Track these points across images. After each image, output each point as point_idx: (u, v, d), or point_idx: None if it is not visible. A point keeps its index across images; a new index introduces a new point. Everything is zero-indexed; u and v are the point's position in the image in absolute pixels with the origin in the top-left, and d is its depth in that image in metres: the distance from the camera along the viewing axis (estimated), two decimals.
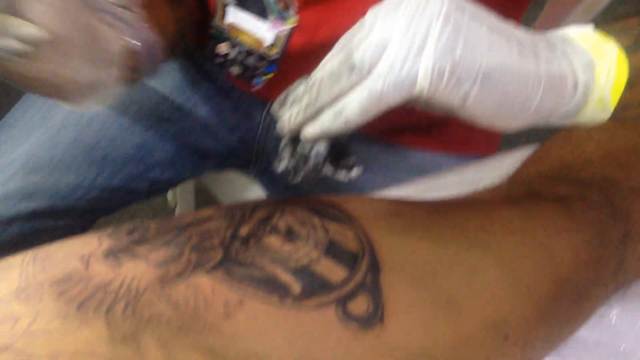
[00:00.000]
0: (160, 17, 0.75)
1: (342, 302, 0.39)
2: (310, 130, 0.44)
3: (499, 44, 0.42)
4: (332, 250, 0.41)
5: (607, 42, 0.46)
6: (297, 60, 0.79)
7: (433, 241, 0.45)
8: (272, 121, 0.88)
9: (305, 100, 0.44)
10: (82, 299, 0.36)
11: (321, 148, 0.44)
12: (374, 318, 0.39)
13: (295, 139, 0.45)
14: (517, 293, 0.47)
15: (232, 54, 0.83)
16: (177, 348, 0.35)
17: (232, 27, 0.81)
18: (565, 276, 0.50)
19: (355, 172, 0.43)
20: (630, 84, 0.46)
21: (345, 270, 0.40)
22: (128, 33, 0.55)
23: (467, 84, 0.41)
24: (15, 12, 0.46)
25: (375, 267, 0.41)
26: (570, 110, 0.45)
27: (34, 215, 0.87)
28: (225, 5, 0.80)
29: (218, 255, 0.39)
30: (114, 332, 0.35)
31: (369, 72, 0.41)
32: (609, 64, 0.45)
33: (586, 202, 0.54)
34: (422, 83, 0.40)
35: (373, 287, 0.40)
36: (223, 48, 0.84)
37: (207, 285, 0.38)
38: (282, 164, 0.45)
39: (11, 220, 0.86)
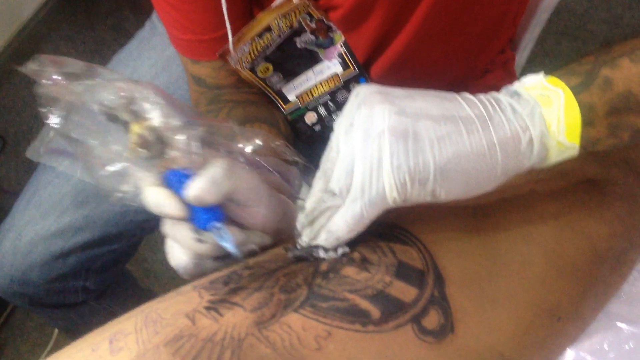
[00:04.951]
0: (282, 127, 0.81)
1: (417, 320, 0.44)
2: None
3: (446, 132, 0.44)
4: (402, 271, 0.46)
5: (555, 86, 0.47)
6: (377, 53, 0.80)
7: (484, 244, 0.50)
8: None
9: (306, 229, 0.49)
10: (194, 354, 0.41)
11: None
12: (446, 329, 0.45)
13: None
14: (564, 276, 0.52)
15: (322, 111, 0.84)
16: None
17: (301, 95, 0.82)
18: (603, 250, 0.55)
19: (340, 251, 0.49)
20: (589, 122, 0.47)
21: (415, 289, 0.45)
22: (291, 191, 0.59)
23: (429, 182, 0.44)
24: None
25: (440, 281, 0.46)
26: (536, 161, 0.47)
27: (89, 245, 0.92)
28: (278, 92, 0.82)
29: (304, 292, 0.44)
30: None
31: (347, 194, 0.46)
32: (558, 110, 0.46)
33: (612, 177, 0.59)
34: (391, 196, 0.45)
35: (441, 300, 0.45)
36: (311, 117, 0.85)
37: (297, 323, 0.43)
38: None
39: (69, 253, 0.92)
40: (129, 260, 1.09)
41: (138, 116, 0.49)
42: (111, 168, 0.50)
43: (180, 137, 0.49)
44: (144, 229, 0.97)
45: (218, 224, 0.50)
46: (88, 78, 0.49)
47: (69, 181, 0.91)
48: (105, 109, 0.49)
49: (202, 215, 0.49)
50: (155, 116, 0.49)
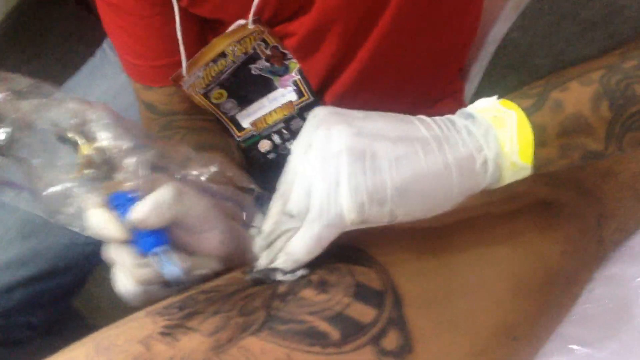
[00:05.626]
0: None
1: (376, 341, 0.43)
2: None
3: (404, 153, 0.45)
4: (360, 292, 0.46)
5: (508, 108, 0.48)
6: (331, 81, 0.80)
7: (442, 265, 0.50)
8: None
9: (264, 252, 0.49)
10: None
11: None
12: (405, 349, 0.44)
13: None
14: (519, 295, 0.53)
15: (277, 139, 0.83)
16: None
17: (255, 123, 0.82)
18: (555, 269, 0.56)
19: (298, 273, 0.48)
20: (542, 142, 0.47)
21: (374, 310, 0.45)
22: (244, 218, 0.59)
23: (387, 203, 0.45)
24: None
25: (398, 302, 0.46)
26: (490, 181, 0.48)
27: (35, 278, 0.89)
28: (232, 119, 0.81)
29: (261, 315, 0.44)
30: None
31: (305, 215, 0.45)
32: (511, 131, 0.47)
33: (562, 199, 0.60)
34: (349, 217, 0.45)
35: (400, 321, 0.45)
36: (265, 144, 0.84)
37: (256, 346, 0.42)
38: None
39: (13, 288, 0.88)
40: (76, 295, 1.05)
41: (88, 137, 0.48)
42: (55, 188, 0.48)
43: (129, 160, 0.48)
44: (92, 261, 0.94)
45: (161, 249, 0.48)
46: (37, 97, 0.48)
47: (15, 213, 0.88)
48: (54, 129, 0.47)
49: (145, 239, 0.48)
50: (104, 137, 0.47)
